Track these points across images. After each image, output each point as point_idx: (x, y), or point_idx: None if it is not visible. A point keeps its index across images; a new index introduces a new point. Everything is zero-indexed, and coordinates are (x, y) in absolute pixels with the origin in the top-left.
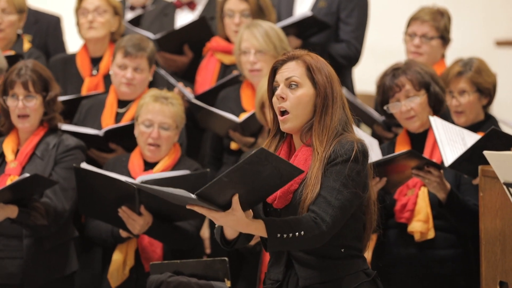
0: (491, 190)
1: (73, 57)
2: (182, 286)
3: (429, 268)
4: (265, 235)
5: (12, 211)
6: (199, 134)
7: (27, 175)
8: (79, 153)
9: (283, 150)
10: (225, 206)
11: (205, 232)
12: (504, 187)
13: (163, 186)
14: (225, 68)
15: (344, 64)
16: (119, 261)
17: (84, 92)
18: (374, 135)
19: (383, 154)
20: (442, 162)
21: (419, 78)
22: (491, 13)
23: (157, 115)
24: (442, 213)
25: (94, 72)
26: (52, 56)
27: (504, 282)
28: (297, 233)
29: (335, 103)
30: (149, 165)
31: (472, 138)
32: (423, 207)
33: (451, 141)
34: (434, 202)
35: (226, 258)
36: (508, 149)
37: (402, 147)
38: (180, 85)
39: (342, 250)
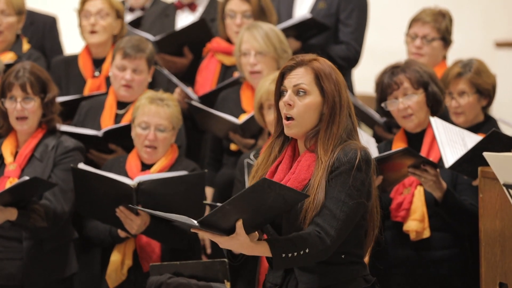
0: (491, 191)
1: (75, 58)
2: (181, 287)
3: (426, 268)
4: (270, 255)
5: (11, 214)
6: (199, 136)
7: (26, 178)
8: (78, 154)
9: (287, 154)
10: (230, 230)
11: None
12: (504, 188)
13: (161, 186)
14: (226, 69)
15: (344, 65)
16: (117, 261)
17: (86, 93)
18: (375, 136)
19: (380, 152)
20: (438, 161)
21: (417, 77)
22: (491, 15)
23: (153, 117)
24: (438, 212)
25: (97, 73)
26: (49, 57)
27: (504, 283)
28: (301, 251)
29: (342, 111)
30: (146, 166)
31: (472, 138)
32: (419, 206)
33: (451, 142)
34: (430, 201)
35: (225, 260)
36: (509, 151)
37: (399, 146)
38: (182, 85)
39: (343, 256)
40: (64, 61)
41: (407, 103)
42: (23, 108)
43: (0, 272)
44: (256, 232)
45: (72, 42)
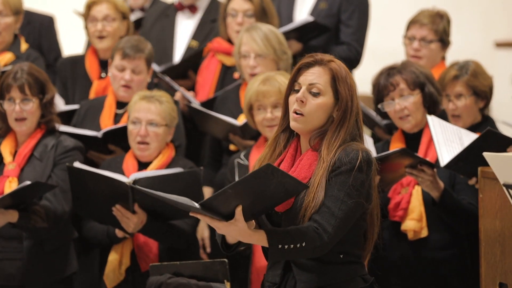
0: (491, 192)
1: (81, 58)
2: (181, 287)
3: (424, 268)
4: (266, 245)
5: (12, 216)
6: (199, 136)
7: (28, 182)
8: (78, 154)
9: (289, 153)
10: (228, 216)
11: (204, 232)
12: (504, 188)
13: (157, 184)
14: (226, 69)
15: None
16: (115, 261)
17: (92, 94)
18: (375, 137)
19: (378, 152)
20: (436, 161)
21: (414, 78)
22: (491, 15)
23: (144, 112)
24: (436, 212)
25: (103, 75)
26: (46, 56)
27: (503, 283)
28: (298, 244)
29: (351, 116)
30: (142, 165)
31: (470, 137)
32: (416, 205)
33: (448, 141)
34: (428, 201)
35: (225, 260)
36: (504, 150)
37: (396, 146)
38: (182, 90)
39: (341, 256)
40: (71, 61)
41: (404, 104)
42: (22, 109)
43: (0, 272)
44: (253, 221)
45: (70, 42)
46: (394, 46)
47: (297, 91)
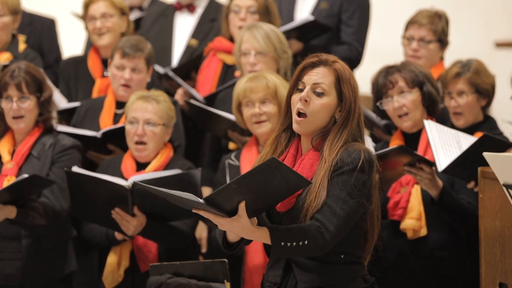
0: (491, 192)
1: (84, 58)
2: (181, 287)
3: (423, 268)
4: (269, 242)
5: (10, 212)
6: (199, 135)
7: (25, 175)
8: (76, 152)
9: (290, 153)
10: (231, 212)
11: (202, 232)
12: (504, 188)
13: (156, 186)
14: (227, 68)
15: None
16: (114, 263)
17: (95, 93)
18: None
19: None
20: (434, 160)
21: (412, 76)
22: (491, 15)
23: (140, 112)
24: (436, 211)
25: (106, 73)
26: (46, 58)
27: (503, 283)
28: (300, 242)
29: (354, 117)
30: (141, 166)
31: (468, 140)
32: (415, 204)
33: (445, 145)
34: (427, 199)
35: (225, 260)
36: None
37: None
38: (187, 86)
39: (342, 256)
40: (73, 61)
41: (402, 102)
42: (19, 107)
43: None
44: (255, 218)
45: (70, 44)
46: (394, 46)
47: (301, 90)
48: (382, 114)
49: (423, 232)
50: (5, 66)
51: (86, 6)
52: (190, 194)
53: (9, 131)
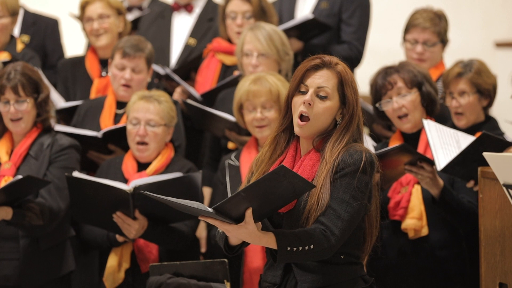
0: (491, 192)
1: (81, 59)
2: (181, 287)
3: (424, 267)
4: (275, 247)
5: (6, 213)
6: (198, 135)
7: (20, 177)
8: (73, 152)
9: (289, 153)
10: (238, 219)
11: (202, 232)
12: (504, 188)
13: (157, 189)
14: (226, 69)
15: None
16: (114, 263)
17: (93, 93)
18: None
19: None
20: (434, 159)
21: (411, 77)
22: (491, 15)
23: (143, 112)
24: (436, 210)
25: (104, 73)
26: (50, 58)
27: (503, 283)
28: (306, 247)
29: (355, 120)
30: (142, 166)
31: (467, 140)
32: (416, 204)
33: (444, 145)
34: (427, 199)
35: (225, 260)
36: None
37: None
38: (186, 85)
39: (342, 256)
40: (71, 62)
41: (401, 102)
42: (17, 110)
43: None
44: (260, 223)
45: (73, 44)
46: (394, 46)
47: (303, 92)
48: (381, 115)
49: (424, 231)
50: (4, 63)
51: (83, 7)
52: (198, 203)
53: (7, 132)
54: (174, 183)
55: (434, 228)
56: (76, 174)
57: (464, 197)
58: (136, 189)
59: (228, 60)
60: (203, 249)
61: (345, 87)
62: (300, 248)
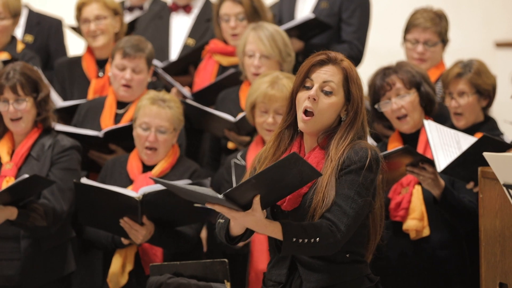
0: (491, 192)
1: (78, 59)
2: (182, 287)
3: (424, 268)
4: (280, 237)
5: (11, 213)
6: (198, 135)
7: (26, 176)
8: (75, 153)
9: (293, 150)
10: (245, 206)
11: (203, 232)
12: (504, 188)
13: (166, 196)
14: (223, 70)
15: None
16: (119, 265)
17: (90, 93)
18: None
19: None
20: (434, 160)
21: (410, 77)
22: (491, 15)
23: (154, 118)
24: (437, 211)
25: (100, 74)
26: (53, 57)
27: (504, 283)
28: (312, 240)
29: (360, 117)
30: (147, 167)
31: (468, 141)
32: (417, 205)
33: (445, 146)
34: (428, 199)
35: (226, 260)
36: None
37: (394, 147)
38: (178, 85)
39: (347, 255)
40: (68, 62)
41: (400, 103)
42: (16, 109)
43: None
44: (265, 211)
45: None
46: (394, 46)
47: (308, 88)
48: (380, 116)
49: (426, 232)
50: (4, 62)
51: (79, 9)
52: (209, 189)
53: (8, 132)
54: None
55: (434, 228)
56: (84, 180)
57: (465, 196)
58: (145, 196)
59: (225, 61)
60: (204, 249)
61: (350, 83)
62: (306, 240)
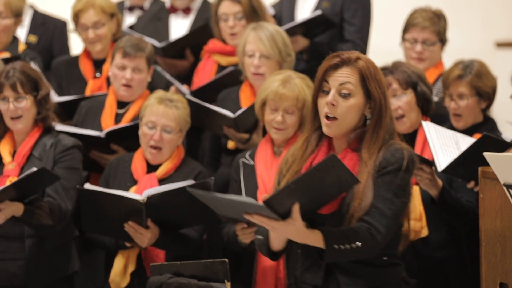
0: (491, 192)
1: (75, 59)
2: (182, 287)
3: (423, 268)
4: (322, 246)
5: (18, 209)
6: (197, 135)
7: (34, 169)
8: (77, 152)
9: (321, 151)
10: (284, 216)
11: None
12: (504, 188)
13: (170, 198)
14: (222, 69)
15: None
16: (121, 265)
17: (87, 94)
18: None
19: None
20: (433, 160)
21: (406, 78)
22: (491, 14)
23: (160, 117)
24: (435, 211)
25: (98, 74)
26: (56, 58)
27: (504, 283)
28: (353, 245)
29: (387, 113)
30: (151, 167)
31: (466, 141)
32: (415, 205)
33: (444, 146)
34: (426, 200)
35: (226, 260)
36: None
37: None
38: (176, 82)
39: (385, 258)
40: (65, 62)
41: (397, 104)
42: (16, 107)
43: (2, 272)
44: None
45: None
46: (395, 46)
47: (326, 92)
48: None
49: (424, 232)
50: (5, 61)
51: (76, 15)
52: (250, 198)
53: (9, 132)
54: (186, 190)
55: (433, 228)
56: (87, 186)
57: (463, 196)
58: (149, 198)
59: (224, 60)
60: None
61: (368, 81)
62: (348, 246)
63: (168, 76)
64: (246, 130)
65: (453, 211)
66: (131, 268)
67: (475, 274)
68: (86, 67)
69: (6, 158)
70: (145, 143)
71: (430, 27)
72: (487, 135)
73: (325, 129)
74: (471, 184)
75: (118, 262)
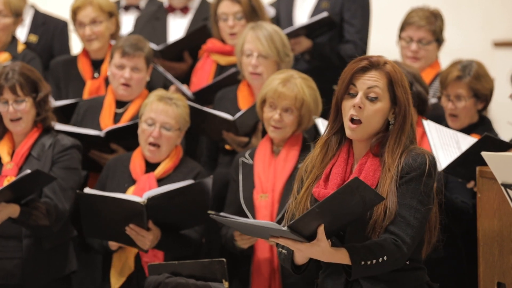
0: (489, 191)
1: (74, 59)
2: (180, 287)
3: None
4: (348, 263)
5: (14, 210)
6: (195, 134)
7: (28, 171)
8: (76, 152)
9: (341, 156)
10: (309, 237)
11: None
12: (502, 188)
13: (170, 198)
14: (221, 69)
15: None
16: (119, 266)
17: (85, 94)
18: None
19: None
20: None
21: None
22: (490, 14)
23: (159, 114)
24: None
25: (96, 75)
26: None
27: (502, 283)
28: (380, 259)
29: (409, 120)
30: (150, 166)
31: (466, 141)
32: None
33: (444, 145)
34: None
35: (224, 259)
36: None
37: None
38: (177, 83)
39: (408, 262)
40: (63, 62)
41: None
42: (16, 110)
43: (0, 271)
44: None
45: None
46: (394, 46)
47: (353, 95)
48: None
49: None
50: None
51: (74, 12)
52: (272, 223)
53: (8, 132)
54: (186, 190)
55: None
56: (87, 190)
57: (458, 197)
58: (149, 200)
59: (223, 60)
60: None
61: (395, 86)
62: (374, 261)
63: (170, 76)
64: (245, 134)
65: (448, 212)
66: (129, 269)
67: (472, 274)
68: (84, 67)
69: (5, 158)
70: (143, 140)
71: (426, 26)
72: (488, 135)
73: (348, 133)
74: (471, 184)
75: (116, 264)
